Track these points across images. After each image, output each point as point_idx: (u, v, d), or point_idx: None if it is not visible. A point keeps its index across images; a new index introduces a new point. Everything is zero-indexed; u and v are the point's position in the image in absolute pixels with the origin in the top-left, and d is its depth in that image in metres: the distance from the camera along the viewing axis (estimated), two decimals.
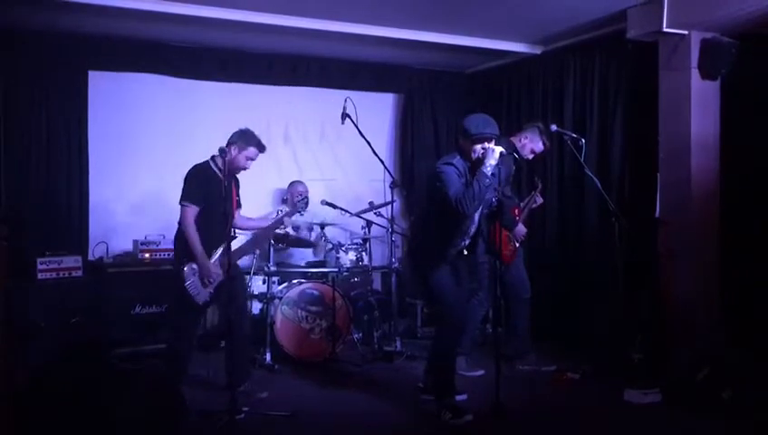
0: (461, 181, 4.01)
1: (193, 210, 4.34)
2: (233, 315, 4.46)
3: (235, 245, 4.56)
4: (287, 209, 6.12)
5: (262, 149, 4.51)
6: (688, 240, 4.93)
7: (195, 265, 4.36)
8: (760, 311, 4.90)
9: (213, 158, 4.49)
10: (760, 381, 4.39)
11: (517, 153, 5.16)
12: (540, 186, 5.49)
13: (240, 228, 4.75)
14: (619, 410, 4.40)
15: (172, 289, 4.53)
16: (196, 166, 4.47)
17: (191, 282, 4.36)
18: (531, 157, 5.27)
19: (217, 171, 4.42)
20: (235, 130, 4.53)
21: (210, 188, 4.37)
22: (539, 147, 5.22)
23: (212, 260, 4.43)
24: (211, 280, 4.40)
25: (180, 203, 4.39)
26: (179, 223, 4.41)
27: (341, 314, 5.55)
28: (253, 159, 4.49)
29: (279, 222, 4.80)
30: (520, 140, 5.19)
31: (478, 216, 4.29)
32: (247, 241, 4.76)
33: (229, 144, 4.44)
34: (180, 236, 4.43)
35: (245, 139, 4.46)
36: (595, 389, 4.79)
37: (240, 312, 4.56)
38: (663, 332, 4.99)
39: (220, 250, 4.43)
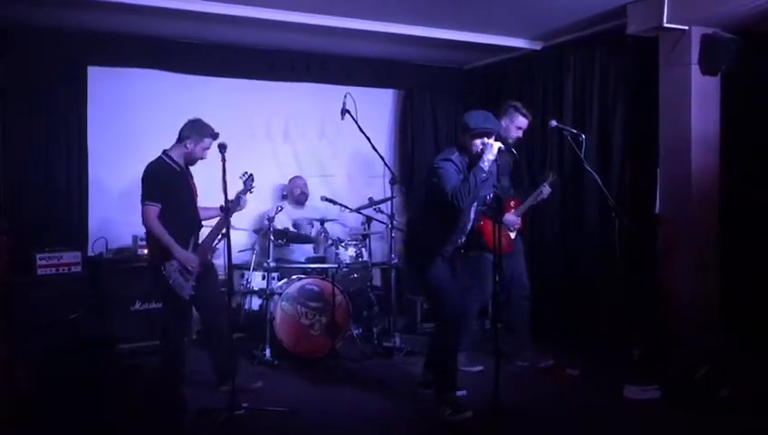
0: (459, 177, 4.02)
1: (155, 209, 4.31)
2: (211, 311, 4.48)
3: (201, 236, 4.57)
4: (286, 205, 6.15)
5: (215, 136, 4.49)
6: (688, 237, 4.92)
7: (173, 262, 4.34)
8: (760, 308, 4.90)
9: (165, 152, 4.48)
10: (759, 379, 4.40)
11: (504, 142, 5.12)
12: (550, 177, 5.35)
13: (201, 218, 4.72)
14: (618, 406, 4.40)
15: (159, 290, 4.53)
16: (151, 164, 4.43)
17: (174, 278, 4.35)
18: (520, 134, 5.16)
19: (174, 165, 4.45)
20: (186, 122, 4.51)
21: (171, 184, 4.39)
22: (521, 121, 5.10)
23: (188, 250, 4.42)
24: (191, 268, 4.37)
25: (142, 202, 4.35)
26: (143, 223, 4.36)
27: (341, 310, 5.56)
28: (208, 149, 4.47)
29: (235, 203, 4.72)
30: (502, 126, 5.14)
31: (474, 212, 4.29)
32: (209, 232, 4.68)
33: (183, 138, 4.44)
34: (151, 236, 4.39)
35: (199, 130, 4.46)
36: (594, 385, 4.79)
37: (217, 305, 4.56)
38: (663, 328, 5.00)
39: (192, 241, 4.44)
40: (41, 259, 5.23)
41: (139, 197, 4.39)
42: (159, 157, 4.47)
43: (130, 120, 6.09)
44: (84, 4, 4.89)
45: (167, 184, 4.38)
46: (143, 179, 4.39)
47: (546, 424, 4.15)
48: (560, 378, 4.97)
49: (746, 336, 4.86)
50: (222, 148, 4.18)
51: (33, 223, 5.55)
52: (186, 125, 4.50)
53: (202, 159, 4.52)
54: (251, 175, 4.74)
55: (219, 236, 4.52)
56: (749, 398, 4.23)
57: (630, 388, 4.50)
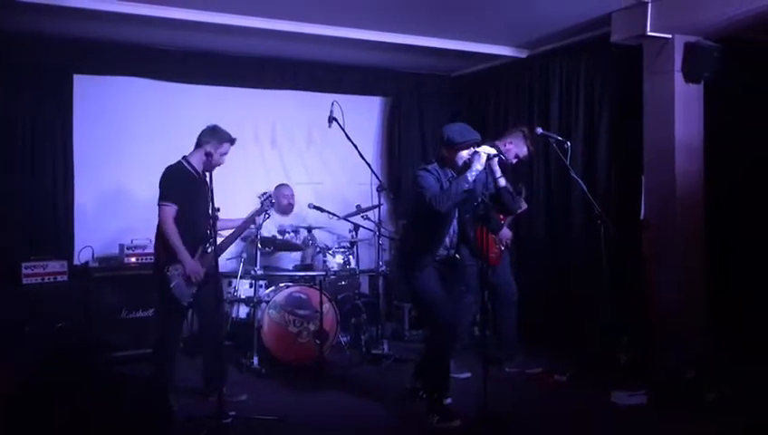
0: (437, 185, 4.09)
1: (172, 209, 4.31)
2: (209, 318, 4.47)
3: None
4: (273, 213, 6.13)
5: (233, 141, 4.52)
6: (673, 242, 4.96)
7: (178, 266, 4.33)
8: (745, 313, 4.95)
9: (185, 158, 4.48)
10: (745, 382, 4.43)
11: (503, 157, 5.17)
12: (524, 192, 5.49)
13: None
14: (605, 411, 4.41)
15: (157, 293, 4.51)
16: (169, 167, 4.44)
17: (176, 283, 4.33)
18: (515, 161, 5.26)
19: (192, 171, 4.44)
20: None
21: (188, 188, 4.38)
22: (523, 152, 5.20)
23: (194, 258, 4.42)
24: (197, 278, 4.38)
25: (159, 203, 4.34)
26: (159, 224, 4.37)
27: (329, 317, 5.54)
28: (226, 154, 4.50)
29: (249, 221, 4.76)
30: (504, 145, 5.19)
31: (457, 223, 4.31)
32: (221, 243, 4.69)
33: (203, 144, 4.43)
34: (161, 237, 4.39)
35: (218, 136, 4.46)
36: (582, 391, 4.80)
37: (216, 315, 4.55)
38: (649, 334, 5.03)
39: (200, 250, 4.44)
40: (26, 268, 5.18)
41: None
42: (179, 161, 4.47)
43: (116, 128, 6.07)
44: (70, 12, 4.87)
45: (183, 188, 4.38)
46: (161, 181, 4.39)
47: (533, 430, 4.16)
48: (547, 384, 4.98)
49: (732, 340, 4.91)
50: (208, 155, 4.18)
51: (18, 232, 5.50)
52: (204, 131, 4.49)
53: (220, 164, 4.50)
54: (270, 196, 4.79)
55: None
56: (736, 401, 4.27)
57: (618, 393, 4.51)
